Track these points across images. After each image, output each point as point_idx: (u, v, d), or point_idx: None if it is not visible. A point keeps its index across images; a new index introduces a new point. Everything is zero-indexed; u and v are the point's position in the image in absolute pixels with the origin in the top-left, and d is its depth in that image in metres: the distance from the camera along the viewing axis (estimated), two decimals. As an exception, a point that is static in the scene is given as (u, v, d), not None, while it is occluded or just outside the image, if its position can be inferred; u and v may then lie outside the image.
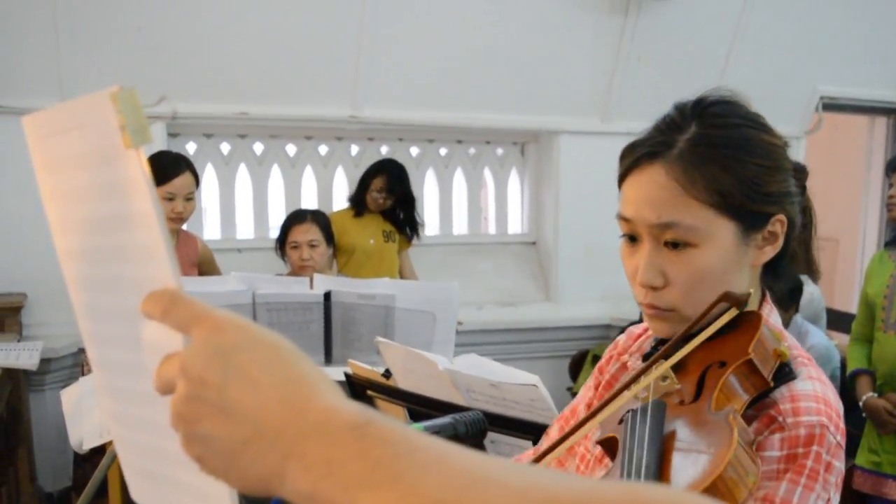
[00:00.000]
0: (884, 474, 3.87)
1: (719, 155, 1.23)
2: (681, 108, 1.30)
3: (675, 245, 1.24)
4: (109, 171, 0.74)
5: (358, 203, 5.20)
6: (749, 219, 1.25)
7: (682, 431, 1.13)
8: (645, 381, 1.21)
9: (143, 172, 0.71)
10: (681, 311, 1.26)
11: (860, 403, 3.97)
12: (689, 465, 1.08)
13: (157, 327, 0.73)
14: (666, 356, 1.22)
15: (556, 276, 5.95)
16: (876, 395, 3.93)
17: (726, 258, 1.24)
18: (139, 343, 0.77)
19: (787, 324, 4.21)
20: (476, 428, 1.26)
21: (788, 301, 4.15)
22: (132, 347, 0.78)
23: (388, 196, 5.13)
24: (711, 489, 1.01)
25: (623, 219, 1.29)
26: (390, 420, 0.67)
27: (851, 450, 4.22)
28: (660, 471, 1.10)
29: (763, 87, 5.94)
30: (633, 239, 1.30)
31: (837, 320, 5.84)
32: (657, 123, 1.31)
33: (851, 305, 7.37)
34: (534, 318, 5.78)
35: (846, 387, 4.35)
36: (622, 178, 1.31)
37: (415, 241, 5.39)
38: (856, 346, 4.14)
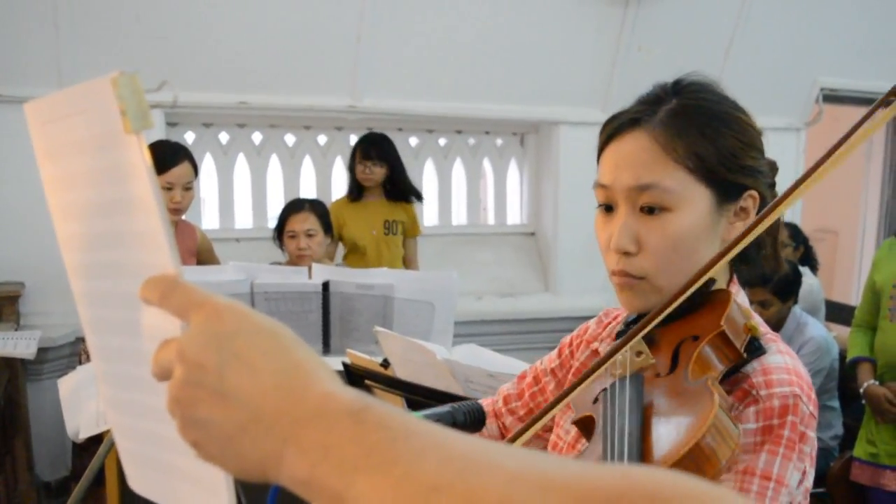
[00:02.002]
0: (881, 465, 3.87)
1: (699, 122, 1.26)
2: (662, 85, 1.35)
3: (650, 210, 1.26)
4: (110, 156, 0.74)
5: (351, 187, 5.10)
6: (724, 188, 1.27)
7: (661, 401, 1.15)
8: (619, 356, 1.21)
9: (144, 158, 0.71)
10: (652, 280, 1.27)
11: (861, 391, 3.97)
12: (671, 430, 1.09)
13: (156, 313, 0.73)
14: (638, 331, 1.21)
15: (556, 266, 5.95)
16: (877, 382, 3.93)
17: (700, 226, 1.26)
18: (138, 329, 0.77)
19: (785, 315, 4.21)
20: (474, 416, 1.26)
21: (787, 293, 4.15)
22: (131, 333, 0.78)
23: (374, 163, 4.97)
24: (693, 451, 1.03)
25: (600, 186, 1.32)
26: (387, 406, 0.67)
27: (849, 442, 4.23)
28: (642, 438, 1.11)
29: (763, 79, 5.95)
30: (608, 210, 1.32)
31: (836, 312, 5.85)
32: (639, 98, 1.35)
33: (850, 297, 7.39)
34: (533, 308, 5.78)
35: (845, 377, 4.35)
36: (602, 149, 1.34)
37: (422, 228, 5.34)
38: (858, 333, 4.13)
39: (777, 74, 6.08)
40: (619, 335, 1.37)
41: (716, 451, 1.03)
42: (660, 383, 1.18)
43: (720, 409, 1.05)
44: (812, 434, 1.16)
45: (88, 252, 0.82)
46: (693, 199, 1.25)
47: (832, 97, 6.48)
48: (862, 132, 1.12)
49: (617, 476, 0.56)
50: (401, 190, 5.10)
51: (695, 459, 1.02)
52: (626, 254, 1.27)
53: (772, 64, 6.03)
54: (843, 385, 4.46)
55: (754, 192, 1.29)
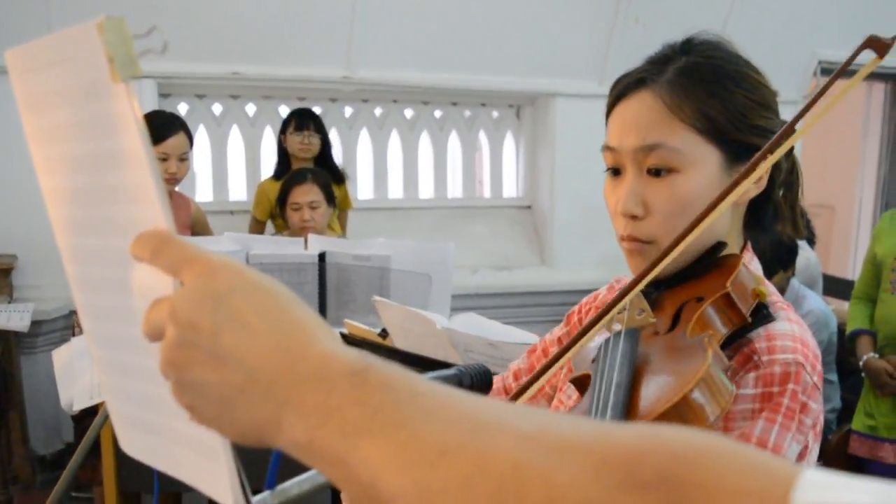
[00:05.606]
0: (879, 438, 3.88)
1: (708, 81, 1.24)
2: (671, 45, 1.33)
3: (657, 172, 1.23)
4: (96, 106, 0.70)
5: (280, 165, 4.92)
6: (734, 149, 1.24)
7: (656, 357, 1.13)
8: (618, 309, 1.18)
9: (132, 108, 0.67)
10: (661, 244, 1.23)
11: (860, 363, 3.97)
12: (660, 383, 1.07)
13: (147, 270, 0.70)
14: (636, 283, 1.18)
15: (552, 240, 5.92)
16: (877, 355, 3.92)
17: (708, 187, 1.22)
18: (128, 287, 0.73)
19: (784, 287, 4.19)
20: (481, 379, 1.23)
21: (787, 261, 4.12)
22: (121, 292, 0.74)
23: (311, 134, 4.78)
24: (680, 405, 1.00)
25: (607, 149, 1.29)
26: (391, 365, 0.64)
27: (848, 415, 4.23)
28: (630, 391, 1.09)
29: (761, 51, 5.84)
30: (616, 173, 1.29)
31: (833, 286, 5.85)
32: (647, 58, 1.32)
33: (847, 272, 7.38)
34: (529, 282, 5.76)
35: (844, 351, 4.35)
36: (609, 110, 1.31)
37: (355, 202, 5.17)
38: (858, 305, 4.12)
39: (775, 47, 6.03)
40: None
41: (704, 406, 1.01)
42: (657, 341, 1.16)
43: (713, 364, 1.03)
44: (815, 406, 1.12)
45: (75, 207, 0.78)
46: (701, 160, 1.22)
47: (830, 70, 6.44)
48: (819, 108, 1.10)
49: (637, 435, 0.53)
50: (330, 167, 4.89)
51: (681, 413, 1.00)
52: (634, 217, 1.25)
53: (770, 36, 5.99)
54: (840, 358, 4.46)
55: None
